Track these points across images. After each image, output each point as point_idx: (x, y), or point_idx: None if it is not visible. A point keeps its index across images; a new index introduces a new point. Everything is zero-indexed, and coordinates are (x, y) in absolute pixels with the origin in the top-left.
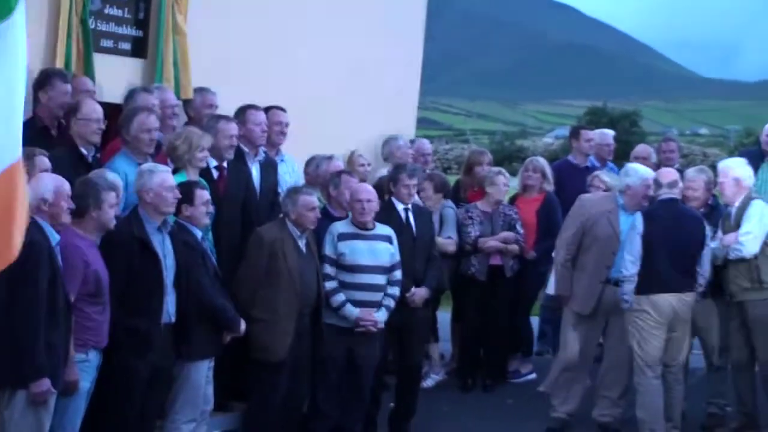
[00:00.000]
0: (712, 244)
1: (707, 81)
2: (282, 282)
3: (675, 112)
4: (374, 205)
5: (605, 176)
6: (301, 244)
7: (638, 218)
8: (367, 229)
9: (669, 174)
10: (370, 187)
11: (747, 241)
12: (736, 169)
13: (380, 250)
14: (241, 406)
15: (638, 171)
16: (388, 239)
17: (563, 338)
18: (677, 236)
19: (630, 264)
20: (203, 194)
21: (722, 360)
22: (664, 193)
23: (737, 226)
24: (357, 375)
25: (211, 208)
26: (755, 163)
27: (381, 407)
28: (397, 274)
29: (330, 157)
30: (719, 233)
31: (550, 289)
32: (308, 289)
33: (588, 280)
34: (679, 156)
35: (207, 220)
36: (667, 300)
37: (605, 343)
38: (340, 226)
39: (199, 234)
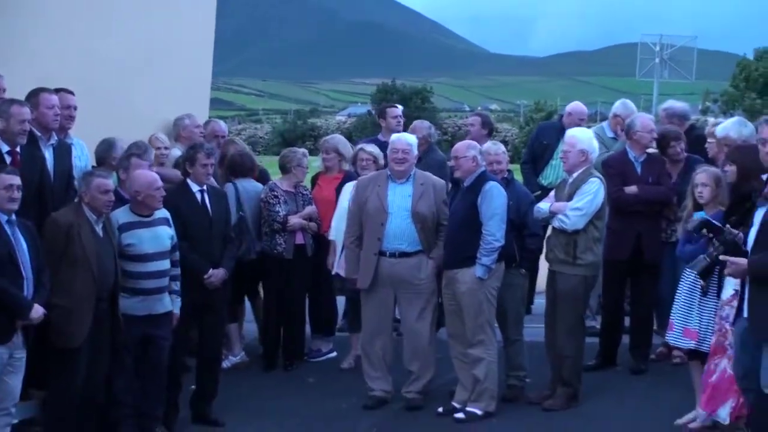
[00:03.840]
0: (539, 205)
1: (498, 57)
2: (78, 267)
3: (466, 88)
4: (162, 191)
5: (369, 147)
6: (98, 228)
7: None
8: (148, 216)
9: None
10: (156, 175)
11: (575, 216)
12: (585, 141)
13: (162, 235)
14: (41, 394)
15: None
16: (167, 222)
17: (362, 316)
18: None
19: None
20: (5, 179)
21: (518, 332)
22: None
23: (569, 197)
24: (153, 359)
25: (17, 194)
26: (556, 136)
27: (182, 389)
28: (177, 254)
29: (116, 140)
30: (551, 195)
31: (339, 269)
32: (106, 274)
33: (364, 254)
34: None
35: (11, 206)
36: None
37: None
38: (121, 216)
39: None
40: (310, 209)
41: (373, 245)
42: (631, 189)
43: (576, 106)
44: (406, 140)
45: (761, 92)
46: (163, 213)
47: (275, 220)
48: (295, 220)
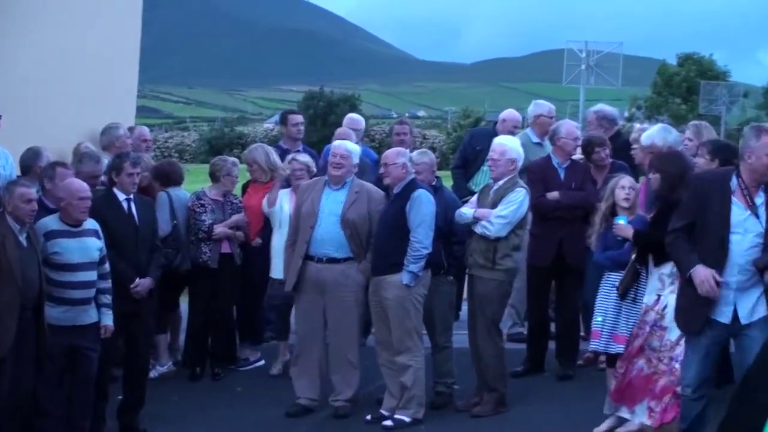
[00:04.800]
0: (462, 210)
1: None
2: (2, 277)
3: (393, 95)
4: (87, 202)
5: (301, 157)
6: (22, 237)
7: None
8: (77, 226)
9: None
10: (85, 185)
11: (499, 223)
12: (514, 150)
13: (90, 246)
14: None
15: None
16: (96, 233)
17: (294, 323)
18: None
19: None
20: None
21: (446, 339)
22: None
23: (494, 204)
24: (81, 370)
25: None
26: (489, 142)
27: (109, 400)
28: (106, 267)
29: (42, 149)
30: (473, 200)
31: (276, 273)
32: (30, 284)
33: (294, 257)
34: (411, 138)
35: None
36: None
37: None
38: (49, 224)
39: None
40: (236, 218)
41: (301, 248)
42: (553, 194)
43: (510, 113)
44: (346, 147)
45: (685, 98)
46: (92, 224)
47: (200, 228)
48: (220, 229)
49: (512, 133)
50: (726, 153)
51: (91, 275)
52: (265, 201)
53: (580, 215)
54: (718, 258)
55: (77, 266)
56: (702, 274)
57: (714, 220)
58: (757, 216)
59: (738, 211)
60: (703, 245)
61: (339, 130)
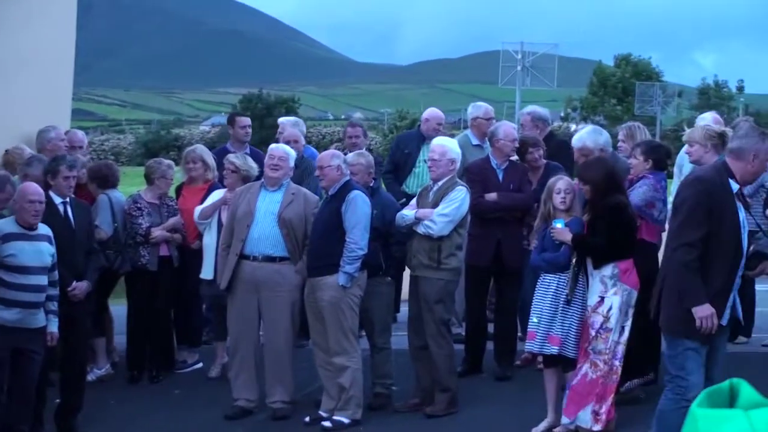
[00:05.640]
0: (403, 212)
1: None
2: None
3: (330, 97)
4: (44, 205)
5: (233, 158)
6: None
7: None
8: (32, 230)
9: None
10: (39, 188)
11: (442, 222)
12: (454, 150)
13: (43, 251)
14: None
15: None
16: (49, 239)
17: (228, 323)
18: None
19: None
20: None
21: (385, 340)
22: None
23: (435, 204)
24: (24, 373)
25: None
26: (416, 144)
27: (46, 403)
28: (55, 274)
29: None
30: (413, 202)
31: (207, 274)
32: None
33: (229, 256)
34: (365, 139)
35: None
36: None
37: None
38: (5, 226)
39: None
40: (173, 220)
41: (236, 247)
42: (491, 196)
43: (432, 111)
44: (284, 149)
45: (620, 99)
46: (46, 230)
47: (137, 232)
48: (158, 232)
49: (437, 131)
50: (659, 153)
51: (43, 279)
52: (198, 211)
53: (518, 216)
54: (734, 264)
55: (31, 269)
56: (708, 312)
57: (728, 228)
58: (750, 213)
59: (741, 214)
60: (718, 253)
61: (286, 133)
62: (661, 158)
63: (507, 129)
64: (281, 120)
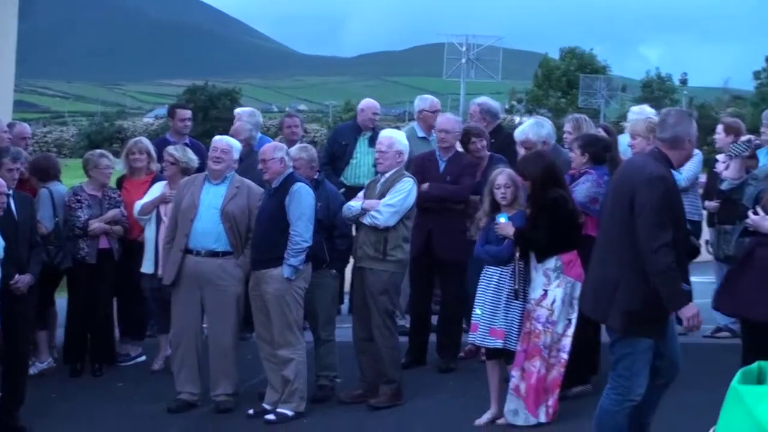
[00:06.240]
0: (350, 203)
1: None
2: None
3: (274, 89)
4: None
5: (173, 150)
6: None
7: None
8: None
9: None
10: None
11: (388, 212)
12: (401, 142)
13: None
14: None
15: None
16: None
17: (171, 317)
18: None
19: None
20: None
21: (329, 333)
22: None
23: (381, 196)
24: None
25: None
26: (353, 135)
27: None
28: None
29: None
30: (360, 194)
31: (147, 268)
32: None
33: (173, 251)
34: (302, 131)
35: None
36: None
37: None
38: None
39: None
40: (113, 213)
41: (180, 242)
42: (423, 186)
43: (367, 102)
44: (227, 142)
45: (565, 91)
46: None
47: (75, 225)
48: (96, 224)
49: (373, 121)
50: (596, 147)
51: None
52: (138, 206)
53: (458, 208)
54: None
55: None
56: (695, 311)
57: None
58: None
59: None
60: (677, 246)
61: (235, 126)
62: (598, 152)
63: (450, 121)
64: (237, 110)
